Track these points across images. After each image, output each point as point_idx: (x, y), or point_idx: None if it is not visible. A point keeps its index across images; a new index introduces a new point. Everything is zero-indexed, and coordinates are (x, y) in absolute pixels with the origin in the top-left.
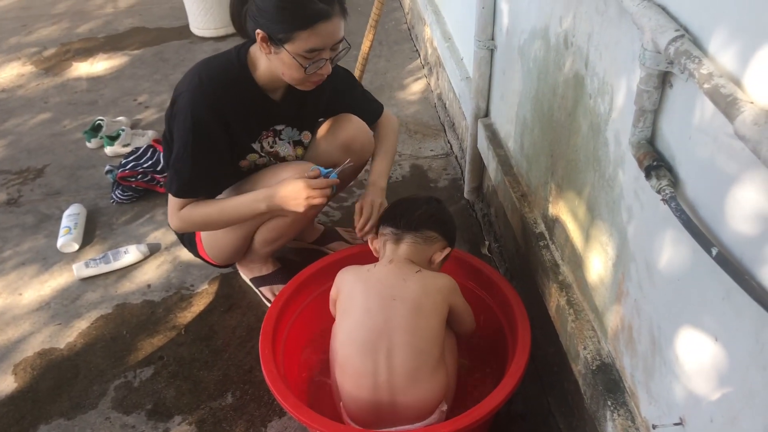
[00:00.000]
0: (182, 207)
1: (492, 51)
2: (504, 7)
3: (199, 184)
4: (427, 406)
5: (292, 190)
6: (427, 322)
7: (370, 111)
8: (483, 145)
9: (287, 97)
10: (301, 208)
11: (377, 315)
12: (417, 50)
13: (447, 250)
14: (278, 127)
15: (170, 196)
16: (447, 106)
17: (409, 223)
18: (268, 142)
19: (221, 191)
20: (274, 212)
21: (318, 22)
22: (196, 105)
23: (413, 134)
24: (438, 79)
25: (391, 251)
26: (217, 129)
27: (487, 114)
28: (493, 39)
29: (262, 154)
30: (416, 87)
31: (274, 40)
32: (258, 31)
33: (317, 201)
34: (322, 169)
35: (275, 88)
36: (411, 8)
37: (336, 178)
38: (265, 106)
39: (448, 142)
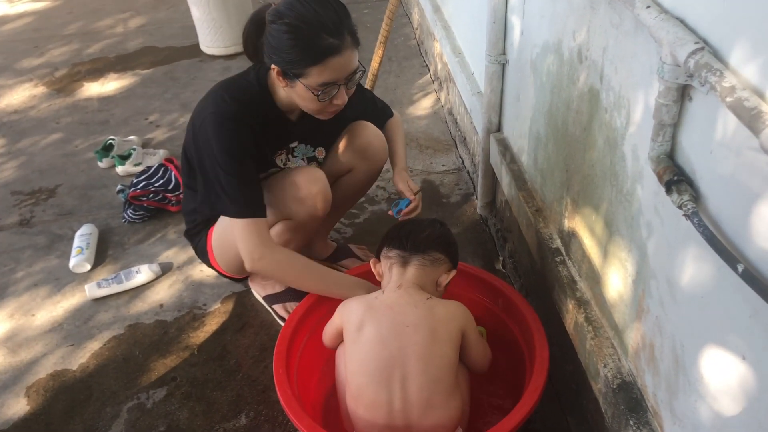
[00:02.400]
0: (263, 234)
1: (503, 65)
2: (515, 22)
3: (254, 198)
4: None
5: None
6: (441, 349)
7: (383, 116)
8: (496, 159)
9: (304, 117)
10: None
11: (390, 343)
12: (426, 65)
13: (452, 273)
14: (291, 145)
15: (240, 228)
16: (458, 120)
17: (417, 244)
18: (281, 159)
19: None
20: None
21: (328, 57)
22: (227, 124)
23: (424, 149)
24: (448, 93)
25: (399, 275)
26: (249, 144)
27: (499, 129)
28: (504, 54)
29: (284, 167)
30: (426, 102)
31: (288, 75)
32: (273, 66)
33: None
34: (400, 201)
35: (293, 110)
36: (420, 24)
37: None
38: (283, 125)
39: (460, 157)
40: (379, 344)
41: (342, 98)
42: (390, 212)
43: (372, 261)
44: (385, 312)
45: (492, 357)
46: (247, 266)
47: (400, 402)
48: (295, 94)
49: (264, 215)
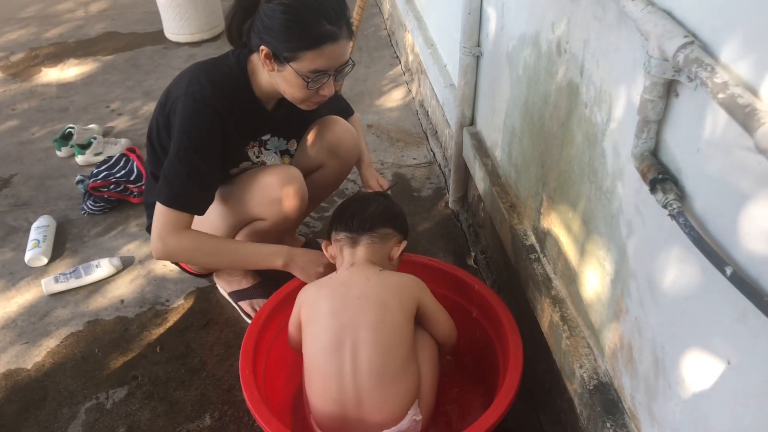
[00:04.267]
0: (178, 226)
1: (478, 58)
2: (491, 13)
3: (194, 194)
4: (396, 409)
5: (314, 256)
6: (392, 317)
7: (346, 114)
8: (469, 154)
9: (279, 107)
10: (309, 279)
11: (341, 315)
12: (397, 56)
13: (404, 244)
14: (264, 137)
15: (160, 212)
16: (429, 113)
17: (362, 223)
18: (254, 152)
19: (209, 204)
20: (287, 268)
21: (326, 43)
22: (197, 109)
23: (395, 142)
24: (420, 86)
25: (350, 255)
26: (216, 136)
27: (472, 122)
28: (479, 46)
29: (256, 162)
30: (397, 94)
31: (279, 58)
32: (262, 47)
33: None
34: None
35: (270, 99)
36: (391, 14)
37: None
38: (259, 115)
39: (431, 150)
40: (330, 317)
41: (330, 89)
42: None
43: (323, 244)
44: (338, 288)
45: (463, 352)
46: (153, 253)
47: (351, 372)
48: (281, 78)
49: (191, 213)
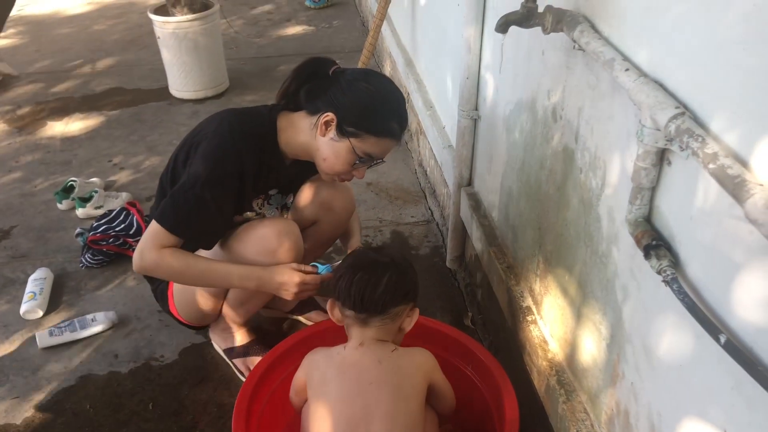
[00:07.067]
0: (165, 245)
1: (476, 121)
2: (489, 79)
3: (195, 228)
4: None
5: (286, 281)
6: (407, 405)
7: None
8: (466, 214)
9: (293, 166)
10: (289, 297)
11: (354, 402)
12: None
13: (416, 313)
14: (271, 192)
15: (153, 230)
16: (428, 173)
17: (374, 305)
18: (258, 204)
19: (205, 244)
20: (261, 290)
21: (389, 137)
22: (223, 149)
23: (394, 200)
24: (419, 145)
25: (359, 334)
26: (233, 180)
27: (470, 183)
28: (477, 109)
29: (259, 212)
30: (396, 153)
31: (342, 129)
32: (329, 113)
33: (305, 295)
34: (319, 265)
35: (291, 157)
36: (392, 76)
37: (331, 273)
38: (276, 169)
39: (429, 209)
40: (341, 403)
41: (363, 173)
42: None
43: (329, 303)
44: (348, 370)
45: (459, 416)
46: (133, 266)
47: None
48: (330, 147)
49: (183, 240)
